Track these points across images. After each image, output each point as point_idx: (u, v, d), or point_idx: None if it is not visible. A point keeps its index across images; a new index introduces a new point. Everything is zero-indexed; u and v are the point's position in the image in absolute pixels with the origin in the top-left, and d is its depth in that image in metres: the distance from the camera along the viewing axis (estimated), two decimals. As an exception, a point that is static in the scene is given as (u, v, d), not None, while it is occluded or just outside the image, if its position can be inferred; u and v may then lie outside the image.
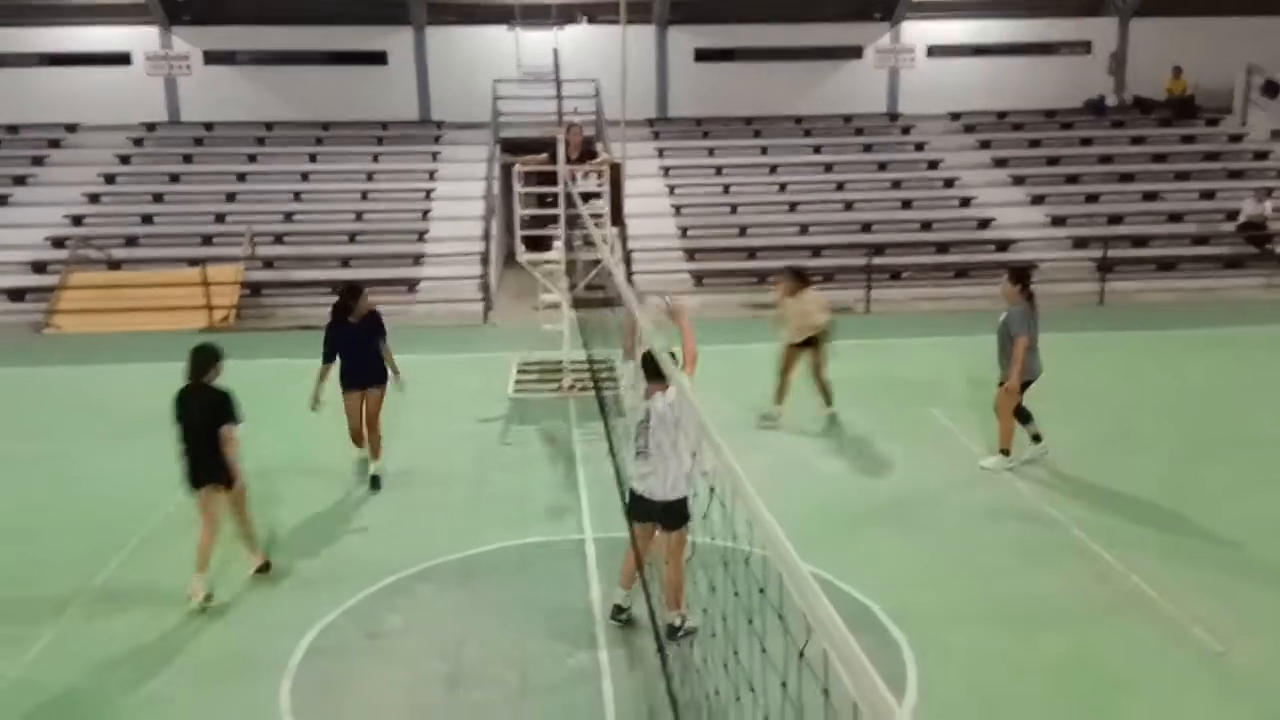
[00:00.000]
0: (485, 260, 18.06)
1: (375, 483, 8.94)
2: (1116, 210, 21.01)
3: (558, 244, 12.10)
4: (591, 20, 23.84)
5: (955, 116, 24.52)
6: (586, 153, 12.34)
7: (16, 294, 17.95)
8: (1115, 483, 8.83)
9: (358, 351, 8.82)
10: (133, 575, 7.33)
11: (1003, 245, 19.90)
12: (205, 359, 6.87)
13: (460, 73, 23.55)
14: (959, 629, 6.32)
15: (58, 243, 19.21)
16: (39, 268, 18.60)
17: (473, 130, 22.85)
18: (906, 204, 21.19)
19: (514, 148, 16.39)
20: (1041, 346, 9.46)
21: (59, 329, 16.97)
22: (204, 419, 6.72)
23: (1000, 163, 22.72)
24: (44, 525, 8.31)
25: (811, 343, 10.68)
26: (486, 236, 18.77)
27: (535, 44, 23.21)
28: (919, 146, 23.38)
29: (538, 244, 12.38)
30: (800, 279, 10.99)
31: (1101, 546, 7.44)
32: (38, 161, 22.14)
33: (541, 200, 12.40)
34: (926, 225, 20.48)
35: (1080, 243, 19.88)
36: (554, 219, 11.92)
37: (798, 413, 11.14)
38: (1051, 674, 5.80)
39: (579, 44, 23.24)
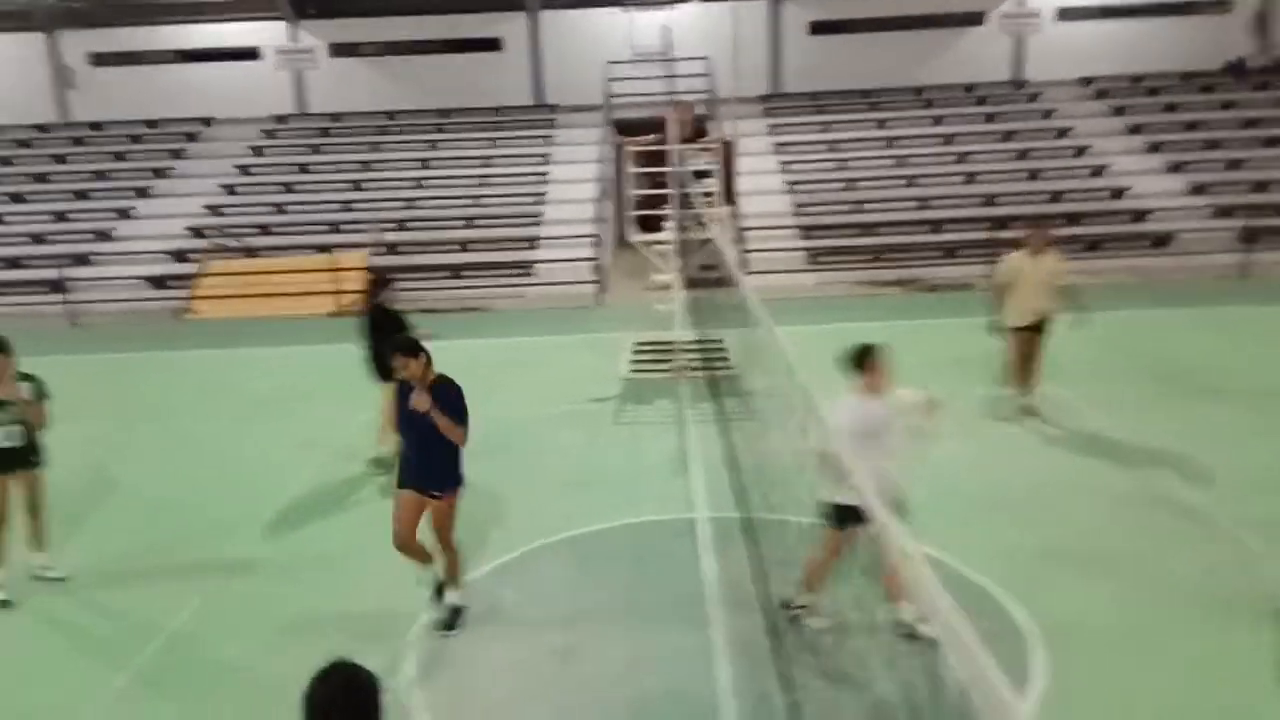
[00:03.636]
0: (598, 242, 18.18)
1: (451, 619, 6.27)
2: (1261, 177, 19.76)
3: (669, 224, 12.08)
4: (703, -3, 23.66)
5: (1086, 82, 23.43)
6: (698, 131, 12.26)
7: (159, 281, 18.97)
8: (1258, 467, 8.31)
9: (417, 435, 6.02)
10: (269, 546, 7.69)
11: (1138, 215, 18.97)
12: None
13: (573, 56, 23.73)
14: (1088, 615, 6.06)
15: (197, 232, 20.21)
16: (179, 256, 19.61)
17: (586, 113, 23.00)
18: (1034, 175, 20.39)
19: (626, 128, 16.45)
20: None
21: (198, 314, 17.87)
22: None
23: (1135, 129, 21.63)
24: (189, 498, 8.79)
25: (1040, 326, 9.48)
26: (599, 218, 18.89)
27: (647, 24, 23.20)
28: (1047, 114, 22.45)
29: (649, 224, 12.38)
30: (1048, 236, 9.49)
31: (1246, 534, 7.03)
32: (176, 154, 23.32)
33: (653, 180, 12.39)
34: (1056, 196, 19.68)
35: (1222, 211, 18.78)
36: (665, 199, 11.89)
37: (908, 388, 10.85)
38: (1190, 666, 5.51)
39: (691, 22, 23.11)
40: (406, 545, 6.21)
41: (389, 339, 8.33)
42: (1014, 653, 5.58)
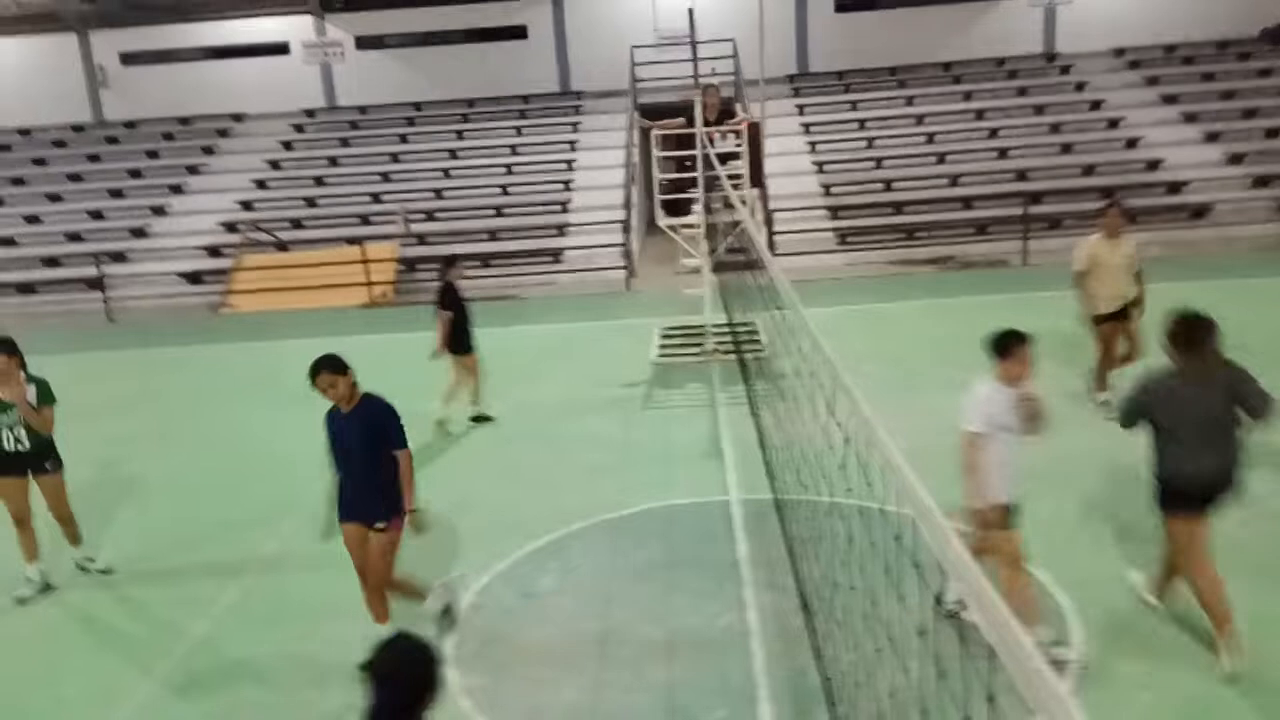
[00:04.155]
0: (626, 227, 18.19)
1: (443, 624, 6.08)
2: (1302, 144, 19.37)
3: (696, 207, 12.06)
4: (728, -22, 23.49)
5: (1119, 53, 23.07)
6: (724, 113, 12.21)
7: (194, 277, 19.22)
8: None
9: (349, 463, 5.62)
10: (302, 538, 7.78)
11: (1174, 187, 18.67)
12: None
13: (598, 42, 23.70)
14: (1129, 595, 6.01)
15: (230, 227, 20.44)
16: (214, 251, 19.85)
17: (611, 98, 22.98)
18: (1066, 148, 20.13)
19: (652, 113, 16.45)
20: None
21: (234, 308, 18.09)
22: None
23: (1169, 99, 21.26)
24: (224, 491, 8.93)
25: (1126, 312, 8.87)
26: (627, 204, 18.89)
27: (671, 7, 23.06)
28: (1079, 86, 22.14)
29: (677, 208, 12.36)
30: (1127, 216, 8.91)
31: (1286, 506, 6.93)
32: (208, 151, 23.59)
33: (680, 164, 12.36)
34: (1089, 170, 19.42)
35: (1260, 181, 18.45)
36: (692, 182, 11.87)
37: (943, 367, 10.79)
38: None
39: (715, 4, 22.97)
40: (374, 586, 5.74)
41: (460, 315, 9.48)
42: (1052, 628, 5.55)
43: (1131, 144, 20.01)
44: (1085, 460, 8.14)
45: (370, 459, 5.53)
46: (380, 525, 5.59)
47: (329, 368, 5.45)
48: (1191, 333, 5.16)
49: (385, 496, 5.58)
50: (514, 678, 5.66)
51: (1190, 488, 5.14)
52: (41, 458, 6.86)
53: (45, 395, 6.80)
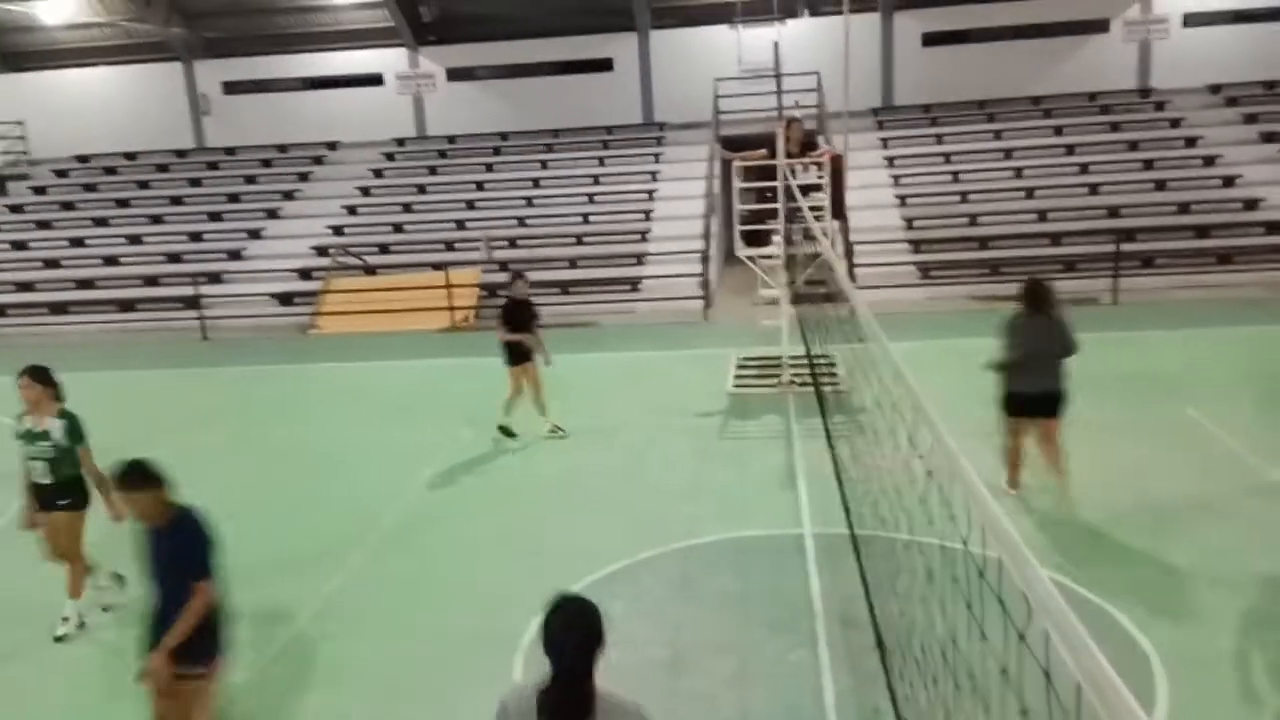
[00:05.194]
0: (705, 258, 18.22)
1: None
2: None
3: (777, 238, 12.04)
4: (814, 12, 23.56)
5: (1215, 89, 22.42)
6: (807, 145, 12.21)
7: (286, 299, 19.80)
8: None
9: (167, 587, 4.63)
10: (386, 554, 7.92)
11: (1272, 226, 18.01)
12: None
13: (682, 74, 23.89)
14: (1217, 642, 5.78)
15: (321, 251, 21.04)
16: (305, 274, 20.44)
17: (694, 130, 23.12)
18: (1160, 185, 19.59)
19: (734, 144, 16.48)
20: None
21: (322, 330, 18.58)
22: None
23: (1269, 137, 20.57)
24: (312, 505, 9.13)
25: None
26: (706, 234, 18.94)
27: (756, 40, 23.19)
28: (1174, 123, 21.55)
29: (757, 239, 12.36)
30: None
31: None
32: (303, 177, 24.35)
33: (761, 195, 12.37)
34: (1183, 207, 18.86)
35: (1366, 221, 17.68)
36: (773, 214, 11.86)
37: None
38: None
39: (800, 37, 23.02)
40: None
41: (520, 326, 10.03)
42: (1138, 680, 5.36)
43: (1228, 181, 19.40)
44: (1177, 506, 7.85)
45: (178, 588, 4.54)
46: (194, 670, 4.61)
47: (131, 483, 4.48)
48: (1036, 292, 7.68)
49: (201, 633, 4.57)
50: (583, 702, 5.66)
51: (1024, 398, 7.67)
52: (57, 495, 6.48)
53: (75, 434, 6.40)
